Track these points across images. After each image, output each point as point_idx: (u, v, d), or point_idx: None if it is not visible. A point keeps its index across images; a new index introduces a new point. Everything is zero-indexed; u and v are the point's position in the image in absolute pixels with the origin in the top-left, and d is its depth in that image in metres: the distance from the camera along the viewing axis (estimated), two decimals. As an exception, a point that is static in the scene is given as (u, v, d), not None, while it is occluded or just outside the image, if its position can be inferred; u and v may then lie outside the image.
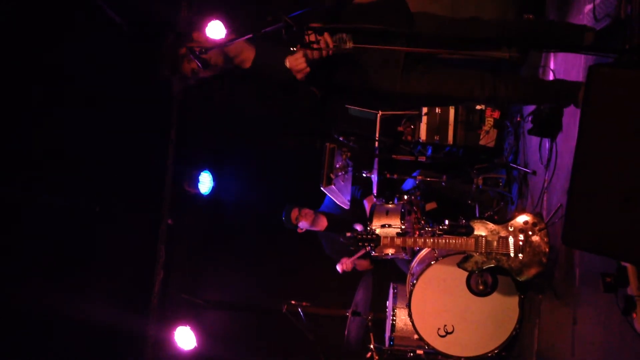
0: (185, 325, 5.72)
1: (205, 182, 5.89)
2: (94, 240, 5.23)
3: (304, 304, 5.15)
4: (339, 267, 5.26)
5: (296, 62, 3.10)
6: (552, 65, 4.08)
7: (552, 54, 4.12)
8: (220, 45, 3.15)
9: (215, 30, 3.29)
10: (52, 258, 4.82)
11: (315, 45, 2.79)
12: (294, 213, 5.27)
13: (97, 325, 4.93)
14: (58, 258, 4.87)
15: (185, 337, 5.69)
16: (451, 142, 4.95)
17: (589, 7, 3.51)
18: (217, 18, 3.31)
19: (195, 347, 5.72)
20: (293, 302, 5.12)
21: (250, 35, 2.59)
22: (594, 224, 2.24)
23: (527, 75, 4.32)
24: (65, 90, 4.76)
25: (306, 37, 2.69)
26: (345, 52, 2.90)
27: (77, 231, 5.06)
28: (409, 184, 5.16)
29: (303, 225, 5.29)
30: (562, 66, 3.92)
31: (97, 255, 5.23)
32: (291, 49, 2.38)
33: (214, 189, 6.00)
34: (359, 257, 5.16)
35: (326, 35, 2.88)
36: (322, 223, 5.36)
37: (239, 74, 3.43)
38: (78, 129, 4.83)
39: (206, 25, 3.29)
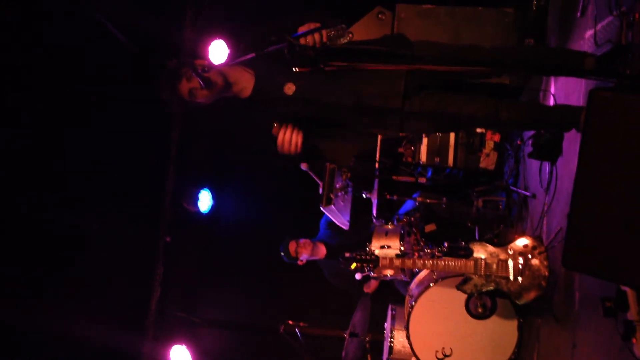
0: (181, 344, 5.68)
1: (205, 201, 5.88)
2: (90, 257, 5.21)
3: (301, 324, 5.12)
4: (366, 290, 5.19)
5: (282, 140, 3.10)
6: (552, 90, 4.11)
7: (552, 79, 4.15)
8: (222, 66, 3.16)
9: (218, 49, 3.31)
10: (46, 275, 4.79)
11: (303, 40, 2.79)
12: (292, 246, 5.16)
13: (92, 343, 4.89)
14: (53, 275, 4.85)
15: (181, 356, 5.64)
16: (451, 165, 4.96)
17: (589, 32, 3.54)
18: (220, 38, 3.33)
19: (190, 366, 5.67)
20: (290, 322, 5.09)
21: (254, 55, 2.60)
22: (594, 247, 2.23)
23: (528, 100, 4.34)
24: (63, 106, 4.77)
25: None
26: (340, 44, 2.89)
27: (74, 248, 5.04)
28: (408, 205, 5.16)
29: (304, 256, 5.23)
30: (563, 91, 3.94)
31: (93, 272, 5.20)
32: (293, 69, 2.39)
33: (213, 207, 5.98)
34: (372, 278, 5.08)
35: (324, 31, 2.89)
36: (322, 251, 5.31)
37: (237, 104, 3.40)
38: (78, 145, 4.84)
39: (209, 45, 3.31)
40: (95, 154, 4.98)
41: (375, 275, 4.18)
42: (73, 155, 4.85)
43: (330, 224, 5.15)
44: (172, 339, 5.72)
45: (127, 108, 5.05)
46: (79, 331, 4.83)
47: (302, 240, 5.20)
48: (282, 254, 5.22)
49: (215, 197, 5.99)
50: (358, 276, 4.24)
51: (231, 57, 3.24)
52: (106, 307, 5.21)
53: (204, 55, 3.28)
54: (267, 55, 2.53)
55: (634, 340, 2.59)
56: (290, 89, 3.18)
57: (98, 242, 5.20)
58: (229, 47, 3.31)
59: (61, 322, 4.77)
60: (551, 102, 4.04)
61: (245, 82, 3.32)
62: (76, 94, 4.79)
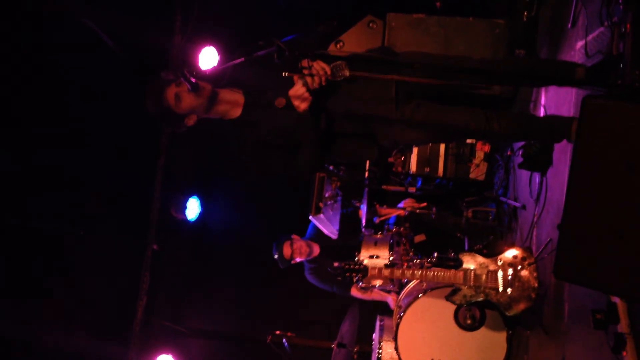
0: (168, 354, 5.60)
1: (193, 208, 5.82)
2: (76, 265, 5.15)
3: (288, 334, 5.05)
4: (391, 304, 5.11)
5: (298, 91, 2.96)
6: (543, 101, 4.10)
7: (543, 90, 4.15)
8: (212, 70, 3.12)
9: (209, 56, 3.28)
10: (30, 283, 4.73)
11: (307, 72, 2.74)
12: (287, 250, 5.11)
13: (76, 353, 4.82)
14: (37, 283, 4.78)
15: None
16: (441, 175, 4.94)
17: (580, 43, 3.54)
18: (210, 45, 3.30)
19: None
20: (278, 332, 5.02)
21: (243, 59, 2.56)
22: (585, 257, 2.21)
23: (518, 111, 4.34)
24: (50, 112, 4.72)
25: (300, 63, 2.66)
26: (341, 79, 2.86)
27: (60, 256, 4.98)
28: (393, 219, 5.12)
29: (299, 258, 5.15)
30: (553, 102, 3.94)
31: (79, 281, 5.14)
32: (283, 74, 2.35)
33: (201, 215, 5.93)
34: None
35: (319, 62, 2.86)
36: (316, 250, 5.23)
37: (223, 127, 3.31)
38: (64, 152, 4.79)
39: (199, 52, 3.28)
40: (82, 160, 4.93)
41: (364, 285, 4.14)
42: (59, 163, 4.80)
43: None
44: (159, 349, 5.65)
45: (114, 114, 5.01)
46: (63, 341, 4.77)
47: (296, 243, 5.11)
48: (275, 256, 5.13)
49: (203, 205, 5.94)
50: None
51: (221, 64, 3.20)
52: (92, 316, 5.14)
53: (194, 63, 3.23)
54: (256, 60, 2.50)
55: (624, 353, 2.57)
56: (281, 103, 3.14)
57: (84, 249, 5.14)
58: (219, 54, 3.28)
59: (45, 332, 4.71)
60: (542, 113, 4.04)
61: (233, 102, 3.23)
62: (63, 100, 4.75)
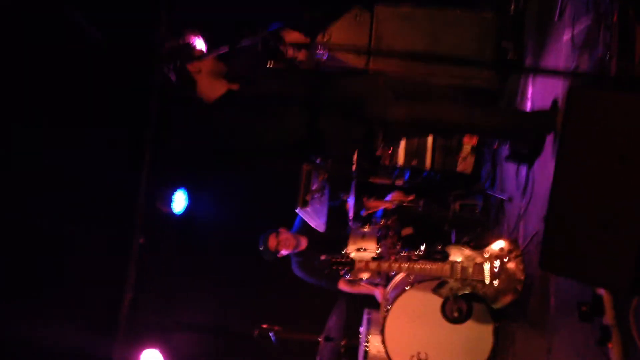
0: (154, 348, 5.58)
1: (179, 201, 5.79)
2: (62, 259, 5.11)
3: (275, 328, 5.04)
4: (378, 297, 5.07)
5: None
6: (530, 93, 4.09)
7: (530, 81, 4.14)
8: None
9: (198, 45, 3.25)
10: (15, 277, 4.68)
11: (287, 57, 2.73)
12: (272, 241, 5.06)
13: (61, 347, 4.79)
14: (22, 277, 4.74)
15: (153, 361, 5.54)
16: (429, 167, 4.93)
17: (567, 35, 3.53)
18: (197, 35, 3.26)
19: (163, 370, 5.57)
20: (265, 325, 5.01)
21: (227, 49, 2.53)
22: (571, 249, 2.20)
23: (504, 106, 4.34)
24: (35, 106, 4.66)
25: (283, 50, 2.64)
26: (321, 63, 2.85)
27: (45, 250, 4.94)
28: (380, 212, 5.11)
29: (285, 251, 5.09)
30: (540, 93, 3.93)
31: (64, 274, 5.10)
32: (267, 64, 2.34)
33: (188, 208, 5.90)
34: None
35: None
36: (303, 242, 5.18)
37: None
38: (48, 144, 4.74)
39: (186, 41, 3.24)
40: (66, 153, 4.88)
41: (351, 278, 4.13)
42: (42, 155, 4.75)
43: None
44: (145, 343, 5.62)
45: (99, 105, 4.96)
46: (49, 335, 4.73)
47: (283, 235, 5.06)
48: (261, 249, 5.08)
49: (190, 198, 5.91)
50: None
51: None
52: (77, 311, 5.10)
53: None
54: (240, 50, 2.47)
55: (609, 345, 2.57)
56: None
57: (70, 243, 5.09)
58: (205, 43, 3.25)
59: (30, 325, 4.67)
60: (529, 106, 4.03)
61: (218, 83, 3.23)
62: (47, 92, 4.69)
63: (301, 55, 2.79)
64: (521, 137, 3.81)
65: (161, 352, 5.59)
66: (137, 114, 5.44)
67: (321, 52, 2.81)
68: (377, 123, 3.40)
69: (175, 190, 5.77)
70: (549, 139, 3.56)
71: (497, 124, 3.34)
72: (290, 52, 2.67)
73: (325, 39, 3.24)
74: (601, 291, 2.67)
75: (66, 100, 4.82)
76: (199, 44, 3.16)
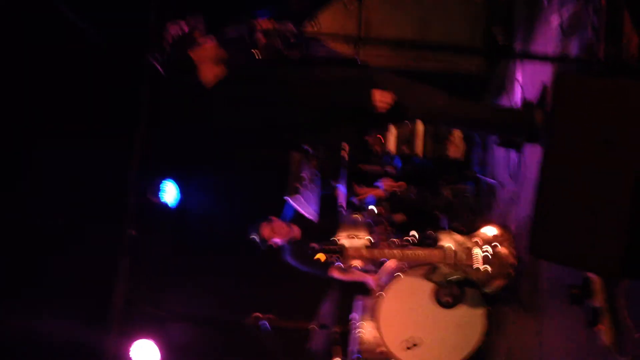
0: (148, 339, 5.58)
1: (169, 192, 5.76)
2: (54, 251, 5.10)
3: (268, 316, 5.06)
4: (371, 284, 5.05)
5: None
6: (519, 77, 4.10)
7: (519, 66, 4.14)
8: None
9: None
10: (7, 270, 4.67)
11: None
12: (265, 230, 5.04)
13: (54, 338, 4.79)
14: (15, 269, 4.73)
15: (148, 351, 5.54)
16: (420, 154, 4.94)
17: (556, 20, 3.53)
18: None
19: (159, 361, 5.58)
20: (258, 314, 5.02)
21: (231, 34, 2.52)
22: (560, 235, 2.21)
23: (486, 101, 4.36)
24: (24, 101, 4.64)
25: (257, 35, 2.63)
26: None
27: (37, 242, 4.93)
28: (371, 199, 5.11)
29: (278, 239, 5.05)
30: (529, 78, 3.94)
31: (56, 266, 5.09)
32: (253, 51, 2.33)
33: (180, 200, 5.88)
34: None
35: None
36: (295, 230, 5.15)
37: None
38: (39, 137, 4.72)
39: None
40: (57, 146, 4.86)
41: (343, 265, 4.13)
42: (33, 149, 4.73)
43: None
44: (138, 334, 5.62)
45: (90, 99, 4.94)
46: (41, 326, 4.73)
47: (275, 223, 5.00)
48: (253, 236, 5.02)
49: (181, 188, 5.89)
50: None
51: None
52: (70, 302, 5.10)
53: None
54: (228, 40, 2.46)
55: (600, 327, 2.59)
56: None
57: (61, 235, 5.08)
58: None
59: (22, 317, 4.66)
60: (518, 91, 4.03)
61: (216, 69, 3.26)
62: (36, 87, 4.67)
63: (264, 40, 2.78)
64: (511, 132, 3.82)
65: (154, 342, 5.59)
66: (129, 103, 5.41)
67: None
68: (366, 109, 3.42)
69: (163, 181, 5.74)
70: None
71: (469, 114, 3.38)
72: (263, 39, 2.65)
73: (315, 29, 3.23)
74: (591, 274, 2.69)
75: (66, 100, 4.80)
76: (201, 30, 3.17)
